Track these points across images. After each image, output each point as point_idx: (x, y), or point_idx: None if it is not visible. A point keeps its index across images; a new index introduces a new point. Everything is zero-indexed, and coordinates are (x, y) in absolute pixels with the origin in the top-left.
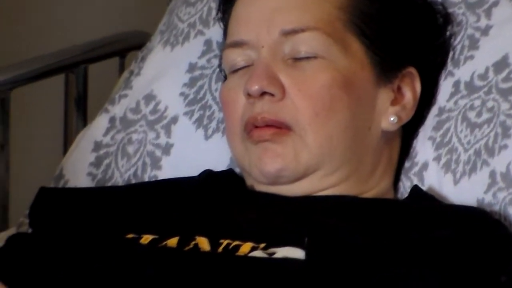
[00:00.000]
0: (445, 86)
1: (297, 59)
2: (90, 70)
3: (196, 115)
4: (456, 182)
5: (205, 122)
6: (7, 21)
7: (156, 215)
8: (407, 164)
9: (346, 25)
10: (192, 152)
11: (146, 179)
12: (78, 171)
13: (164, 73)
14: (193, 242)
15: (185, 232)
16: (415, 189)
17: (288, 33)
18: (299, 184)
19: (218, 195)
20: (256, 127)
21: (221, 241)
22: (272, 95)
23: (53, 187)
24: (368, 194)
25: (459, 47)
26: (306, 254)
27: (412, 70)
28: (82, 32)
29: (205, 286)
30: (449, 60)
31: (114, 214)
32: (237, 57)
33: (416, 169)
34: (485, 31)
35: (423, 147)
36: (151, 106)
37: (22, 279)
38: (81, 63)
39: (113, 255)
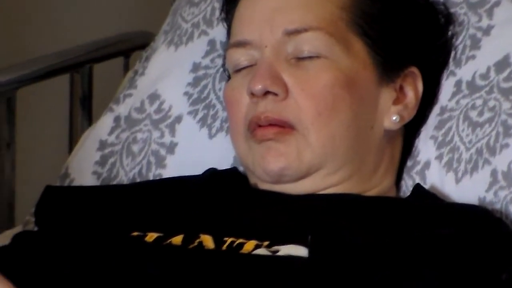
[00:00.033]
0: (447, 86)
1: (300, 59)
2: (95, 69)
3: (200, 114)
4: (458, 180)
5: (209, 121)
6: (13, 21)
7: (161, 213)
8: (409, 163)
9: (349, 25)
10: (196, 151)
11: (151, 178)
12: (84, 170)
13: (168, 73)
14: (198, 240)
15: (190, 230)
16: (418, 187)
17: (291, 33)
18: (302, 183)
19: (222, 193)
20: (260, 126)
21: (225, 239)
22: (276, 94)
23: (59, 185)
24: (371, 193)
25: (460, 47)
26: (309, 252)
27: (414, 69)
28: (87, 32)
29: (209, 284)
30: (451, 59)
31: (119, 212)
32: (240, 56)
33: (418, 167)
34: (487, 31)
35: (425, 146)
36: (155, 106)
37: (28, 277)
38: (86, 63)
39: (118, 253)
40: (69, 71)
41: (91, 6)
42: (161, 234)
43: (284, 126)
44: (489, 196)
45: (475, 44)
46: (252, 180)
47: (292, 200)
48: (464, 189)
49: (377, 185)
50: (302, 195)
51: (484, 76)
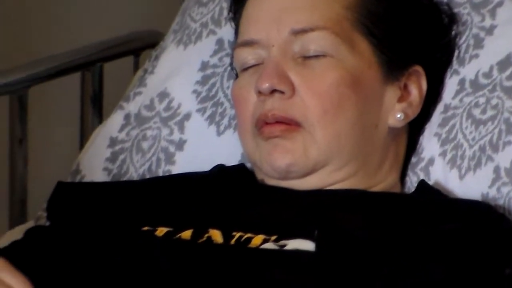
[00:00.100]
0: (450, 84)
1: (306, 58)
2: (105, 68)
3: (208, 112)
4: (461, 177)
5: (217, 118)
6: (24, 20)
7: (170, 209)
8: (413, 160)
9: (354, 24)
10: (205, 147)
11: (160, 174)
12: (94, 166)
13: (177, 71)
14: (207, 235)
15: (199, 225)
16: (422, 183)
17: (298, 32)
18: (308, 179)
19: (230, 189)
20: (267, 123)
21: (234, 233)
22: (282, 92)
23: (70, 181)
24: (376, 188)
25: (464, 46)
26: (316, 246)
27: (419, 68)
28: (97, 31)
29: (218, 277)
30: (454, 58)
31: (130, 208)
32: (248, 55)
33: (422, 164)
34: (490, 30)
35: (429, 143)
36: (164, 103)
37: (40, 271)
38: (97, 62)
39: (129, 247)
40: (80, 70)
41: (102, 6)
42: (170, 229)
43: (290, 124)
44: (492, 192)
45: (478, 43)
46: (260, 176)
47: (299, 195)
48: (468, 185)
49: (382, 181)
50: (309, 191)
51: (487, 75)
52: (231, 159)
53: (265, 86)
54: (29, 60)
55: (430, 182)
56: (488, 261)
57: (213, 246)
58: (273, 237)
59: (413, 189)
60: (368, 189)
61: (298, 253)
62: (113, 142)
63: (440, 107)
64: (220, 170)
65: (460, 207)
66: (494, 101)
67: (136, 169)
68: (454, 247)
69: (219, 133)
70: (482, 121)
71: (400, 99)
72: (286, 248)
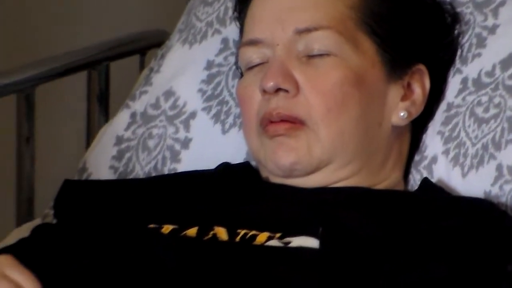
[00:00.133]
0: (453, 83)
1: (310, 57)
2: (111, 67)
3: (213, 111)
4: (464, 175)
5: (222, 117)
6: (30, 19)
7: (176, 206)
8: (417, 158)
9: (358, 24)
10: (210, 146)
11: (166, 172)
12: (101, 164)
13: (183, 70)
14: (212, 232)
15: (204, 222)
16: (425, 181)
17: (302, 32)
18: (313, 177)
19: (235, 187)
20: (272, 122)
21: (239, 231)
22: (287, 91)
23: (77, 179)
24: (380, 186)
25: (467, 45)
26: (320, 243)
27: (422, 67)
28: (104, 30)
29: (223, 274)
30: (457, 57)
31: (136, 205)
32: (252, 54)
33: (425, 162)
34: (492, 30)
35: (432, 142)
36: (170, 102)
37: (47, 268)
38: (103, 61)
39: (136, 244)
40: (87, 69)
41: (109, 6)
42: (176, 226)
43: (295, 122)
44: (495, 190)
45: (481, 42)
46: (264, 174)
47: (303, 193)
48: (470, 183)
49: (385, 179)
50: (313, 189)
51: (490, 74)
52: (236, 157)
53: (270, 85)
54: (29, 60)
55: (433, 180)
56: (490, 258)
57: (218, 243)
58: (278, 235)
59: (416, 187)
60: (371, 187)
61: (302, 250)
62: (119, 140)
63: (443, 106)
64: (225, 168)
65: (462, 205)
66: (496, 100)
67: (142, 167)
68: (456, 244)
69: (224, 132)
70: (485, 120)
71: (404, 98)
72: (291, 245)
